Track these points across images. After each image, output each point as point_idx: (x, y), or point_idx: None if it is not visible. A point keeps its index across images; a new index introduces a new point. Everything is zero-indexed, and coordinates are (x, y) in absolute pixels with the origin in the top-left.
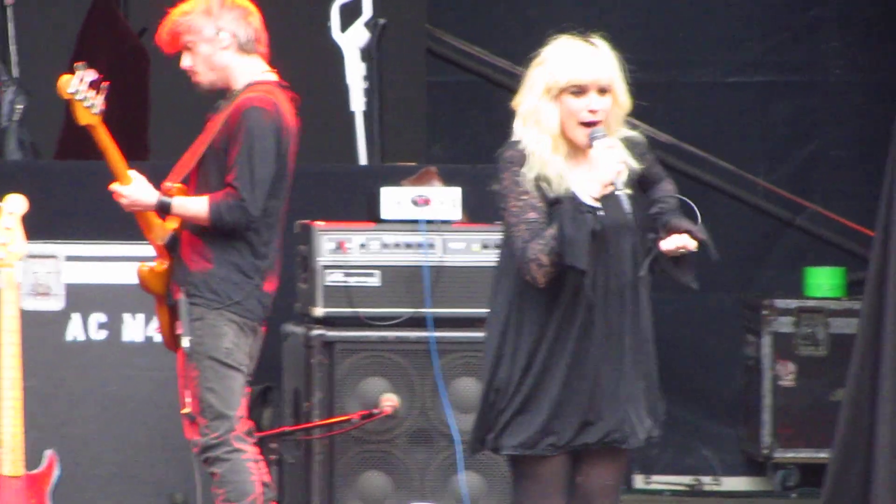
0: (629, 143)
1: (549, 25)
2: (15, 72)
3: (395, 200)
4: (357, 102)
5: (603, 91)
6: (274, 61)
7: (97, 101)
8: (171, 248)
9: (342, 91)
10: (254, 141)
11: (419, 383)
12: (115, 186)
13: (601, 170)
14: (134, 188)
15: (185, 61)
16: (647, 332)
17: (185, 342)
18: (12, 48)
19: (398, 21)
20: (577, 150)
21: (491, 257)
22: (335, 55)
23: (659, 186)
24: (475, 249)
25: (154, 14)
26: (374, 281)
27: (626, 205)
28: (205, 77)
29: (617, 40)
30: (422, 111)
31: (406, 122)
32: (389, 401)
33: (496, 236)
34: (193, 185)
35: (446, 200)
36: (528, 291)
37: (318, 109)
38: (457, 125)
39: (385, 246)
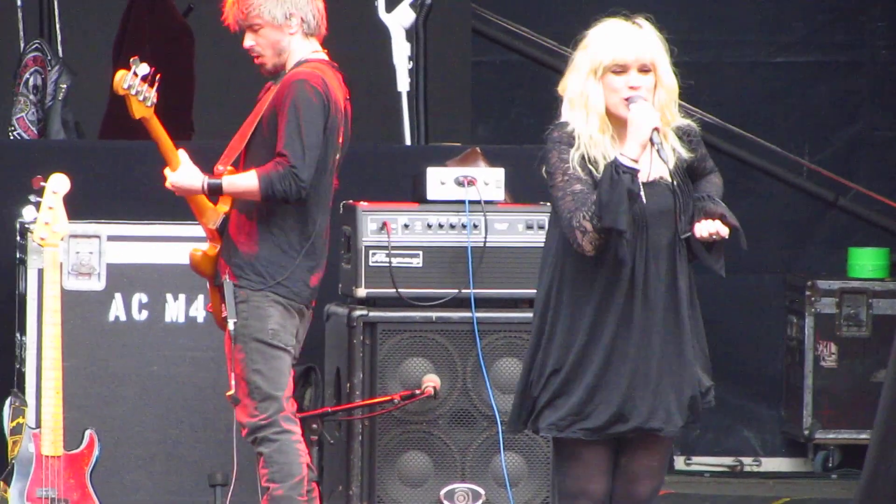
0: (681, 132)
1: (593, 5)
2: (60, 51)
3: (439, 181)
4: (403, 83)
5: (645, 70)
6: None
7: (150, 95)
8: (223, 231)
9: (388, 71)
10: (301, 111)
11: (461, 364)
12: (166, 172)
13: (636, 129)
14: (181, 174)
15: (248, 41)
16: (685, 321)
17: (230, 324)
18: (57, 27)
19: (443, 1)
20: (623, 131)
21: (534, 238)
22: (381, 35)
23: (706, 178)
24: (519, 230)
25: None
26: (417, 262)
27: (665, 155)
28: (270, 61)
29: (661, 21)
30: (467, 91)
31: (451, 102)
32: (431, 381)
33: (540, 217)
34: (243, 165)
35: (490, 181)
36: (568, 275)
37: (364, 90)
38: (502, 106)
39: (429, 226)
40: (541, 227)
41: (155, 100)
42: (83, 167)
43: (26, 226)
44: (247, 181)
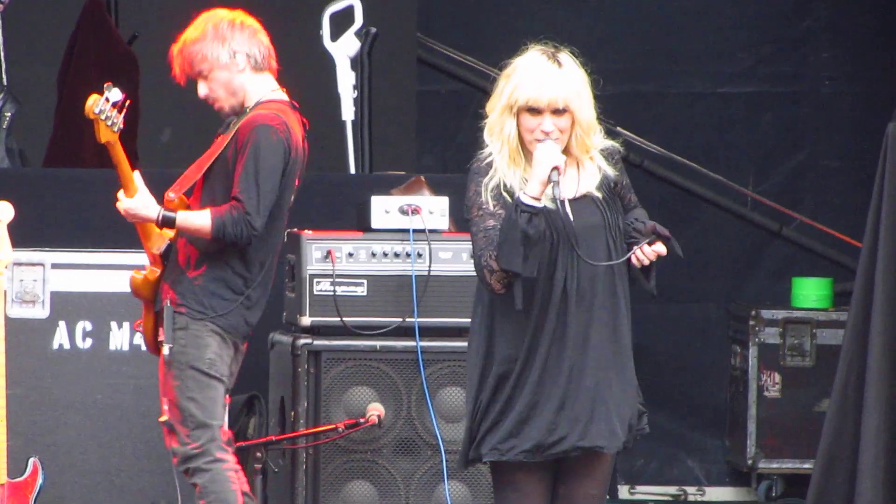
0: (605, 152)
1: (538, 35)
2: (4, 78)
3: (384, 209)
4: (347, 111)
5: (559, 112)
6: None
7: (118, 120)
8: (165, 256)
9: (333, 100)
10: (260, 157)
11: (405, 393)
12: (120, 195)
13: (537, 167)
14: (137, 201)
15: (202, 90)
16: (626, 339)
17: (166, 349)
18: (1, 55)
19: (389, 30)
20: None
21: None
22: (326, 64)
23: (631, 213)
24: (463, 259)
25: (143, 20)
26: (362, 290)
27: (565, 207)
28: (227, 102)
29: (606, 50)
30: (412, 120)
31: (396, 131)
32: (375, 410)
33: None
34: (197, 198)
35: (435, 210)
36: (501, 305)
37: (309, 118)
38: (446, 134)
39: (373, 255)
40: None
41: (122, 126)
42: (27, 195)
43: None
44: (200, 220)
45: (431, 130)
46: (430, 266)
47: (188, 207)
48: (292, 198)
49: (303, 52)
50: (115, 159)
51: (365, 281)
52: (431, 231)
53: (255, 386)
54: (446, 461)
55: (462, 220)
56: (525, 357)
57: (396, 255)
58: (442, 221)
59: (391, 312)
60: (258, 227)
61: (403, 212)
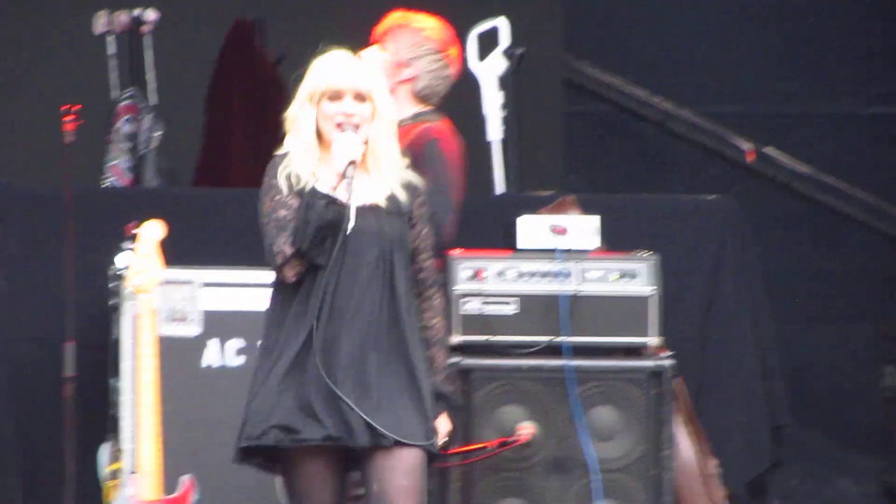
0: (406, 182)
1: (686, 55)
2: (153, 99)
3: (532, 229)
4: (494, 131)
5: (361, 98)
6: None
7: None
8: None
9: (479, 120)
10: (440, 172)
11: (556, 411)
12: None
13: (335, 159)
14: None
15: (368, 52)
16: (408, 335)
17: None
18: (150, 75)
19: (536, 50)
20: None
21: (628, 287)
22: (473, 84)
23: (420, 259)
24: (613, 278)
25: (291, 43)
26: (511, 309)
27: (351, 190)
28: None
29: (753, 69)
30: (559, 140)
31: (543, 151)
32: (526, 429)
33: (634, 265)
34: None
35: (584, 229)
36: (279, 296)
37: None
38: (594, 154)
39: (522, 274)
40: (634, 276)
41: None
42: (178, 214)
43: (119, 272)
44: None
45: (578, 150)
46: (579, 285)
47: None
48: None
49: None
50: None
51: (515, 300)
52: (580, 250)
53: None
54: (598, 480)
55: (610, 239)
56: (279, 353)
57: (545, 274)
58: (591, 241)
59: (540, 331)
60: (447, 237)
61: (552, 231)
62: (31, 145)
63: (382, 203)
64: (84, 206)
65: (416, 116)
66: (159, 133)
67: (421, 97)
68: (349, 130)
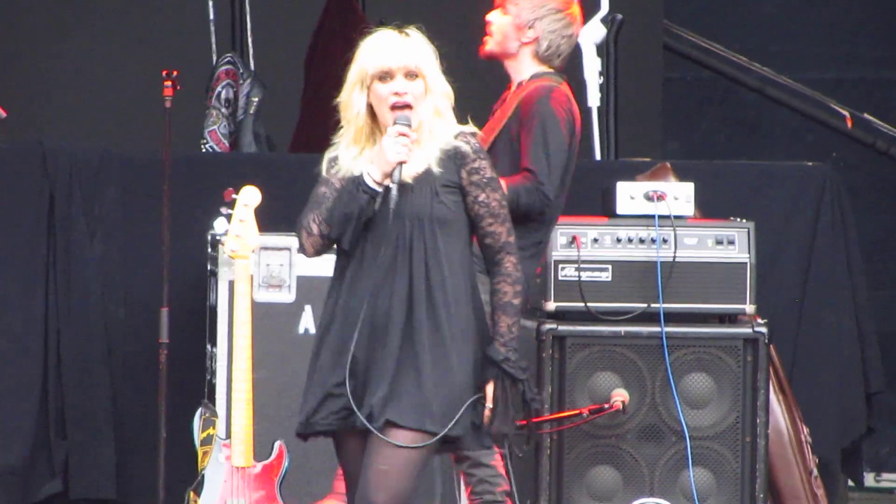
0: (446, 155)
1: (786, 22)
2: (251, 65)
3: (629, 195)
4: (593, 98)
5: (412, 76)
6: None
7: None
8: None
9: (578, 86)
10: (548, 129)
11: (650, 378)
12: None
13: (383, 158)
14: None
15: (491, 16)
16: (436, 319)
17: None
18: (249, 41)
19: (635, 17)
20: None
21: (724, 253)
22: (573, 52)
23: (483, 225)
24: (709, 245)
25: (392, 7)
26: (606, 276)
27: (393, 201)
28: (491, 46)
29: (855, 36)
30: (657, 107)
31: (641, 117)
32: (619, 395)
33: (730, 232)
34: None
35: (680, 196)
36: (336, 275)
37: None
38: (692, 121)
39: (618, 241)
40: (731, 243)
41: None
42: (274, 180)
43: (217, 238)
44: None
45: (676, 117)
46: (675, 252)
47: None
48: (573, 167)
49: None
50: None
51: (610, 266)
52: (677, 217)
53: None
54: (691, 447)
55: (706, 206)
56: (321, 336)
57: (641, 241)
58: (687, 207)
59: (636, 298)
60: (552, 196)
61: (649, 198)
62: (130, 110)
63: (411, 179)
64: (181, 172)
65: (535, 76)
66: (257, 99)
67: (543, 58)
68: (405, 120)
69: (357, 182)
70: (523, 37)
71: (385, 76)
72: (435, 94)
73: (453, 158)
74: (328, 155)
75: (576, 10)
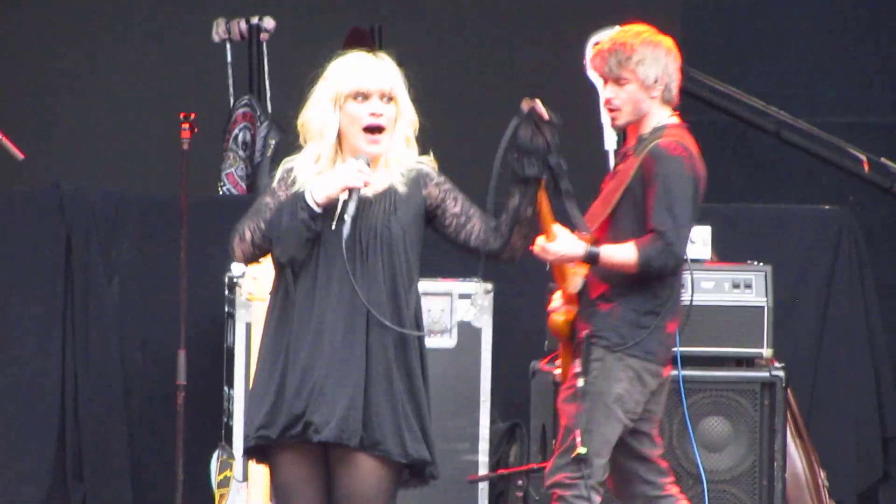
0: (411, 175)
1: (802, 66)
2: (268, 107)
3: None
4: (609, 141)
5: (387, 99)
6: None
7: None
8: (581, 294)
9: (596, 129)
10: (672, 187)
11: (667, 422)
12: (542, 243)
13: (333, 180)
14: (563, 244)
15: (609, 93)
16: (401, 361)
17: (580, 381)
18: (266, 84)
19: None
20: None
21: (741, 297)
22: (590, 93)
23: (469, 226)
24: (726, 289)
25: (409, 51)
26: None
27: (346, 233)
28: (624, 117)
29: (869, 79)
30: None
31: None
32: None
33: (747, 276)
34: (604, 231)
35: (697, 239)
36: (280, 291)
37: (571, 147)
38: (708, 164)
39: None
40: (748, 286)
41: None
42: None
43: (235, 280)
44: (625, 254)
45: None
46: (692, 296)
47: (597, 242)
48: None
49: (566, 82)
50: (539, 205)
51: None
52: (694, 260)
53: (517, 414)
54: (708, 491)
55: (723, 249)
56: (272, 346)
57: None
58: (704, 251)
59: None
60: (682, 255)
61: None
62: (147, 153)
63: (371, 195)
64: (199, 214)
65: (656, 130)
66: (274, 141)
67: (668, 100)
68: (364, 159)
69: (298, 199)
70: (653, 93)
71: (360, 96)
72: (404, 120)
73: (416, 180)
74: (284, 166)
75: (670, 41)
